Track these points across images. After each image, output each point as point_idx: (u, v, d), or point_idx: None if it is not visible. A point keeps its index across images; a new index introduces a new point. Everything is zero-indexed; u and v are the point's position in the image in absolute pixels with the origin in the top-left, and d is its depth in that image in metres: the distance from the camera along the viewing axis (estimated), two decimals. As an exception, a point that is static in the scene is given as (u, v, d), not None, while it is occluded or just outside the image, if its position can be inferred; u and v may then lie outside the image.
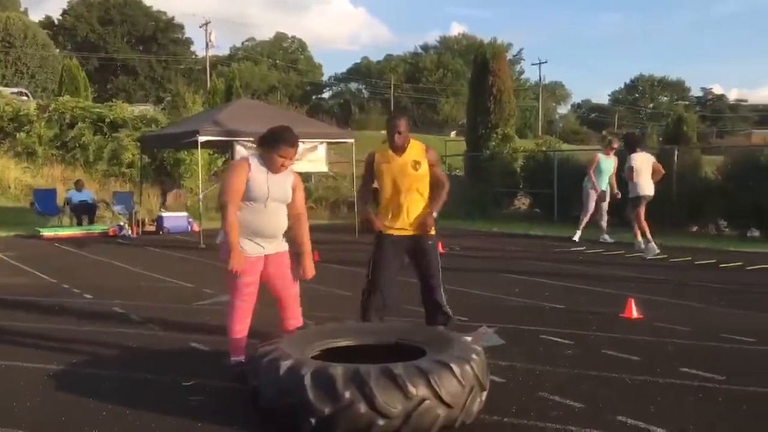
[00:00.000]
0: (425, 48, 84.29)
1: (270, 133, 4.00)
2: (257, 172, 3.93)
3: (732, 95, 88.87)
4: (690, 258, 9.41)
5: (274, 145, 3.93)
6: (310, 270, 4.12)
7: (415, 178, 4.55)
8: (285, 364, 3.14)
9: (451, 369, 3.10)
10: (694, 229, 13.18)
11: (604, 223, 11.25)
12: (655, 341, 4.90)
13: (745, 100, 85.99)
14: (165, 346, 4.87)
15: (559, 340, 4.94)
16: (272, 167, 3.96)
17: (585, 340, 4.93)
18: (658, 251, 9.49)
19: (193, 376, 4.06)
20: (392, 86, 72.29)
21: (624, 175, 9.93)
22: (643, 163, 9.66)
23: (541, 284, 7.40)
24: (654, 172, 9.71)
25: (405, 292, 4.93)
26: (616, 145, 10.97)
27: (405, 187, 4.55)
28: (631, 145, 10.02)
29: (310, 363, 3.20)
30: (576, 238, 11.19)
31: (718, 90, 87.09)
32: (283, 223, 4.07)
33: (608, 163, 10.93)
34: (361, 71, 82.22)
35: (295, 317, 4.14)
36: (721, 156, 15.05)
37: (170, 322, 5.61)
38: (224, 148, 14.94)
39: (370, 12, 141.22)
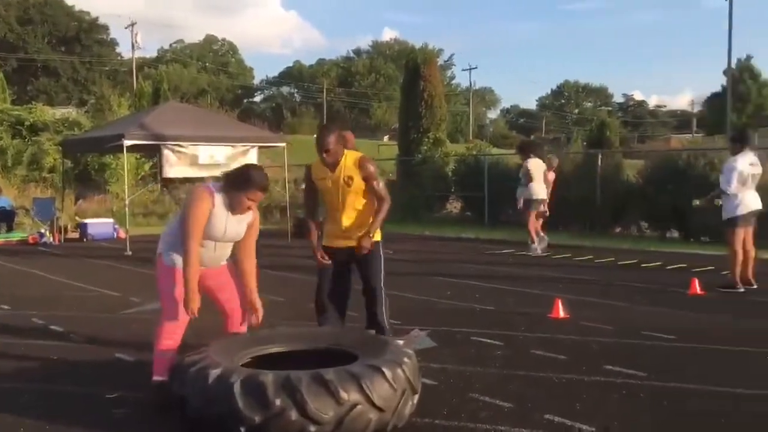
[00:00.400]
0: (358, 53, 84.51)
1: (241, 174, 3.76)
2: (219, 210, 3.73)
3: (652, 101, 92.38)
4: (613, 258, 9.73)
5: (245, 187, 3.72)
6: (259, 309, 3.94)
7: (349, 194, 4.42)
8: (213, 373, 3.08)
9: (383, 373, 3.10)
10: (618, 230, 13.64)
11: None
12: (580, 340, 5.04)
13: (664, 106, 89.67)
14: (88, 357, 4.70)
15: (489, 341, 5.02)
16: (236, 208, 3.77)
17: (514, 341, 5.03)
18: (540, 252, 10.21)
19: (117, 388, 3.93)
20: (325, 90, 72.12)
21: (521, 180, 10.44)
22: (537, 168, 10.20)
23: (472, 286, 7.51)
24: (546, 177, 10.36)
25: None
26: (555, 164, 11.19)
27: (340, 202, 4.46)
28: (525, 151, 10.62)
29: (240, 371, 3.14)
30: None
31: (638, 96, 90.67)
32: (227, 255, 3.96)
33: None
34: (293, 75, 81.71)
35: (240, 325, 4.05)
36: (642, 160, 15.63)
37: (94, 332, 5.43)
38: (152, 152, 14.60)
39: (301, 16, 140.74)
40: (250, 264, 3.99)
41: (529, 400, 3.67)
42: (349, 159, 4.42)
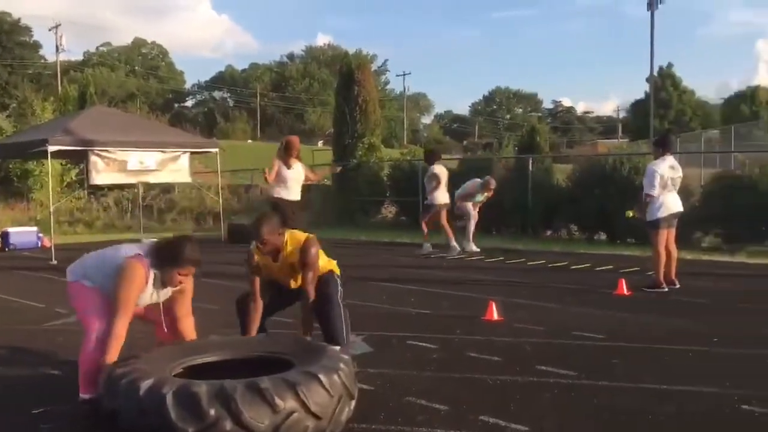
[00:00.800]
0: (291, 57, 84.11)
1: (172, 250, 3.61)
2: (149, 287, 3.62)
3: (580, 108, 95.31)
4: (545, 261, 9.96)
5: (177, 263, 3.59)
6: None
7: (295, 279, 4.41)
8: (145, 384, 3.00)
9: (319, 380, 3.09)
10: (549, 233, 13.98)
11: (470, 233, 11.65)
12: (514, 342, 5.14)
13: (591, 112, 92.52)
14: (12, 371, 4.51)
15: (425, 344, 5.06)
16: (168, 284, 3.66)
17: (449, 344, 5.09)
18: (430, 250, 10.87)
19: (43, 402, 3.78)
20: (258, 95, 71.43)
21: (427, 186, 10.95)
22: (442, 175, 10.77)
23: (408, 290, 7.56)
24: (448, 182, 10.91)
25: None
26: (492, 187, 11.28)
27: (286, 284, 4.45)
28: (430, 158, 11.28)
29: (172, 381, 3.07)
30: (469, 248, 11.43)
31: (567, 103, 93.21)
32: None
33: (481, 197, 11.38)
34: (225, 79, 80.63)
35: (189, 334, 3.96)
36: (570, 164, 16.06)
37: (17, 345, 5.21)
38: (78, 159, 14.14)
39: (233, 19, 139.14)
40: (188, 323, 3.92)
41: (464, 402, 3.72)
42: (291, 244, 4.33)
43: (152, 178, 13.15)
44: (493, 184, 11.33)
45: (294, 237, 4.38)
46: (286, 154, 9.04)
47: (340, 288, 4.55)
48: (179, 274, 3.63)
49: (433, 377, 4.24)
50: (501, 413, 3.54)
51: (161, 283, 3.66)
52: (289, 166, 9.01)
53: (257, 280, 4.42)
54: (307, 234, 4.49)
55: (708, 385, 3.99)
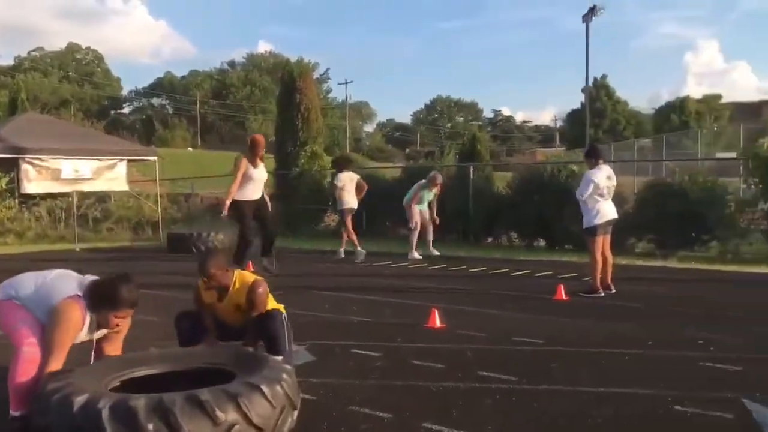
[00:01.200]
0: (232, 64, 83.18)
1: (108, 291, 3.46)
2: (84, 330, 3.49)
3: (519, 117, 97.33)
4: (486, 268, 10.10)
5: (114, 306, 3.45)
6: None
7: (241, 321, 4.33)
8: (79, 400, 2.90)
9: (261, 391, 3.04)
10: (489, 240, 14.18)
11: (430, 238, 11.75)
12: (456, 348, 5.18)
13: (530, 121, 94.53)
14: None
15: (368, 353, 5.05)
16: (104, 326, 3.53)
17: (392, 352, 5.09)
18: (364, 256, 11.06)
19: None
20: (198, 102, 70.37)
21: (335, 192, 11.41)
22: (348, 181, 11.23)
23: (350, 299, 7.55)
24: (358, 188, 11.37)
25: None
26: (439, 181, 11.62)
27: (231, 324, 4.38)
28: (339, 166, 11.81)
29: (108, 395, 2.98)
30: (411, 255, 11.49)
31: (506, 112, 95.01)
32: None
33: (430, 194, 11.61)
34: (164, 86, 79.16)
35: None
36: (510, 172, 16.36)
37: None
38: (8, 166, 13.64)
39: (171, 25, 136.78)
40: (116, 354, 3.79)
41: (407, 410, 3.73)
42: (238, 285, 4.29)
43: (87, 187, 12.81)
44: (439, 178, 11.62)
45: (243, 277, 4.35)
46: (252, 153, 8.93)
47: (286, 319, 4.48)
48: (116, 317, 3.50)
49: (376, 385, 4.23)
50: (444, 420, 3.56)
51: (96, 325, 3.54)
52: (255, 166, 8.93)
53: (210, 318, 4.38)
54: (256, 276, 4.46)
55: (643, 387, 4.10)
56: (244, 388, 3.04)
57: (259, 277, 4.44)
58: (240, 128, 68.62)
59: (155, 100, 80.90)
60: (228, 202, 8.79)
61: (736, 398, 3.86)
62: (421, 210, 11.54)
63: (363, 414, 3.68)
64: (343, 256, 11.46)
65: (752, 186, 11.68)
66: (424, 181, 11.62)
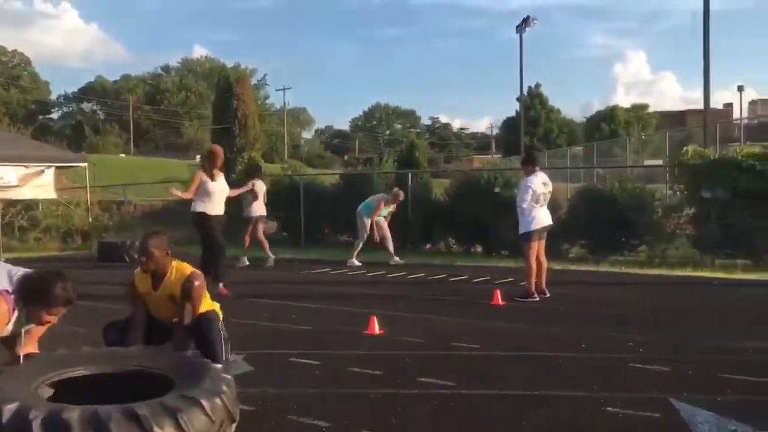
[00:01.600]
0: (166, 69, 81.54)
1: (41, 287, 3.34)
2: (9, 326, 3.37)
3: (456, 124, 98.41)
4: (424, 274, 10.18)
5: (47, 303, 3.33)
6: None
7: (174, 313, 4.24)
8: (8, 409, 2.75)
9: (200, 405, 2.96)
10: (428, 246, 14.30)
11: (390, 246, 11.80)
12: (395, 355, 5.20)
13: (467, 129, 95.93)
14: None
15: (307, 361, 5.02)
16: (33, 322, 3.40)
17: (331, 360, 5.08)
18: (271, 264, 11.29)
19: None
20: (131, 107, 68.72)
21: (246, 199, 11.47)
22: (259, 189, 11.48)
23: (289, 307, 7.49)
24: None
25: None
26: (401, 198, 11.81)
27: (165, 317, 4.27)
28: (252, 174, 12.26)
29: (40, 406, 2.84)
30: (351, 263, 11.51)
31: (444, 119, 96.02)
32: None
33: (389, 208, 11.75)
34: (95, 90, 76.97)
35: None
36: (448, 179, 16.54)
37: None
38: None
39: (103, 29, 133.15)
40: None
41: (346, 418, 3.72)
42: (175, 275, 4.20)
43: (13, 195, 12.31)
44: (401, 196, 11.76)
45: (180, 267, 4.26)
46: (210, 165, 8.52)
47: (222, 326, 4.41)
48: (47, 314, 3.38)
49: (315, 394, 4.21)
50: (382, 427, 3.57)
51: (25, 320, 3.42)
52: (213, 178, 8.47)
53: (139, 313, 4.26)
54: (194, 269, 4.37)
55: (576, 390, 4.21)
56: (184, 403, 2.95)
57: (197, 270, 4.35)
58: (175, 134, 67.29)
59: (86, 105, 78.62)
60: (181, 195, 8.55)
61: (664, 398, 4.00)
62: (378, 221, 11.60)
63: (301, 423, 3.65)
64: (272, 258, 11.47)
65: (678, 192, 12.16)
66: (387, 195, 11.79)
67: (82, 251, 14.43)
